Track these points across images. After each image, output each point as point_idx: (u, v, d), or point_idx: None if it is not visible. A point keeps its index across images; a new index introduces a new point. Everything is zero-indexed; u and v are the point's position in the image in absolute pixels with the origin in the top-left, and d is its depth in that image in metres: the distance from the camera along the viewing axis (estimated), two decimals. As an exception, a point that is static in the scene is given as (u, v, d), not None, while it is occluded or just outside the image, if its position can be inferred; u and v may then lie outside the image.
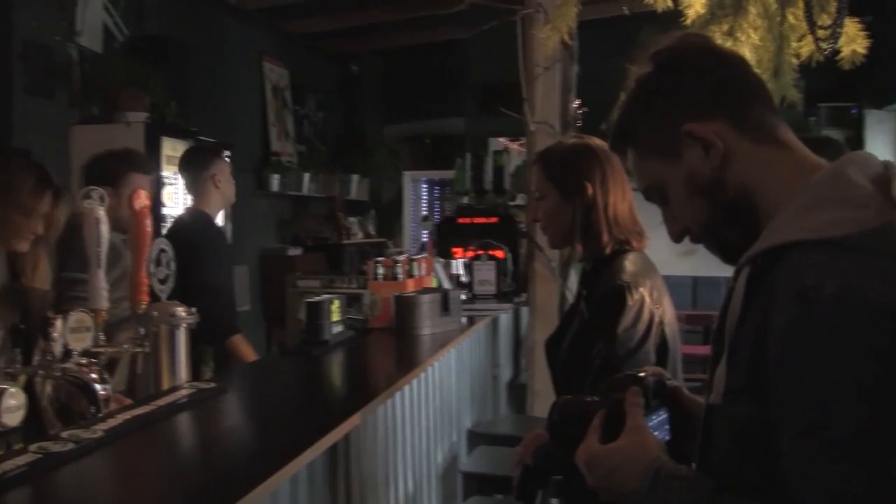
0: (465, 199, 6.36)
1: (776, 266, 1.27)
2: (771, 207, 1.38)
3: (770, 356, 1.24)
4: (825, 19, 3.12)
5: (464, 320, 4.48)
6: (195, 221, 4.46)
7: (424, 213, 10.88)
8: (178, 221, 4.63)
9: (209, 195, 4.48)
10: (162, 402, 2.47)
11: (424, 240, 9.24)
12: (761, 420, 1.27)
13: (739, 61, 1.56)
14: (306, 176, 9.78)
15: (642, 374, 1.64)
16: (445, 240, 5.97)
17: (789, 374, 1.22)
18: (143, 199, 2.94)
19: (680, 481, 1.38)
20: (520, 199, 6.67)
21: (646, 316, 2.40)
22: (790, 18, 3.35)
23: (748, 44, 3.32)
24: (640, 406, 1.54)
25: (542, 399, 5.52)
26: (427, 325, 3.97)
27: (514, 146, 8.53)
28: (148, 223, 2.95)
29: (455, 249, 5.67)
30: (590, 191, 2.56)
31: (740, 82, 1.49)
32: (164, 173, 6.09)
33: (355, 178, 10.93)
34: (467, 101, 9.96)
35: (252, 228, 8.64)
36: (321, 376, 3.34)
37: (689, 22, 3.65)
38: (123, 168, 3.75)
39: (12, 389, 2.09)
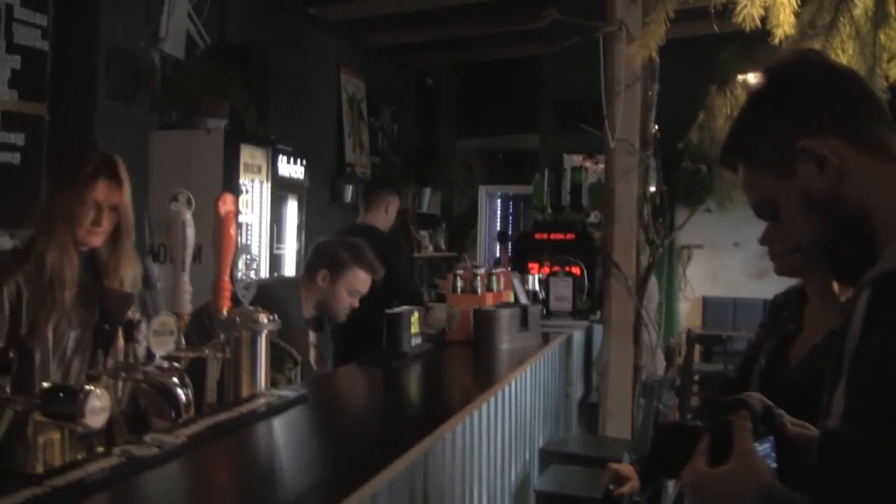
0: (541, 215, 6.30)
1: None
2: (889, 226, 1.34)
3: (894, 379, 1.20)
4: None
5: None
6: (376, 234, 5.47)
7: (501, 228, 10.83)
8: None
9: (378, 215, 5.72)
10: (244, 409, 2.45)
11: (497, 255, 9.20)
12: (884, 445, 1.22)
13: (854, 76, 1.53)
14: (379, 188, 9.80)
15: (753, 400, 1.60)
16: (521, 255, 5.91)
17: None
18: (228, 205, 2.94)
19: None
20: (593, 217, 6.60)
21: None
22: (882, 39, 3.26)
23: (839, 64, 3.25)
24: (748, 430, 1.50)
25: (615, 419, 5.44)
26: (506, 339, 3.93)
27: (589, 164, 8.48)
28: (232, 229, 2.94)
29: (531, 265, 5.62)
30: None
31: (855, 98, 1.46)
32: (242, 181, 6.12)
33: (427, 191, 10.93)
34: (543, 117, 9.91)
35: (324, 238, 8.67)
36: (401, 389, 3.31)
37: (776, 41, 3.58)
38: (351, 260, 3.94)
39: (97, 391, 2.07)
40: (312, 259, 4.02)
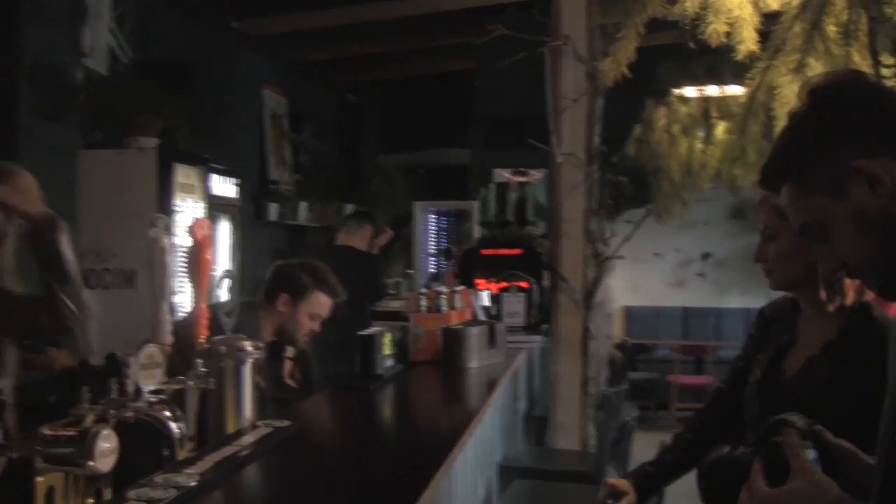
0: (480, 231, 6.28)
1: None
2: None
3: None
4: (888, 58, 3.10)
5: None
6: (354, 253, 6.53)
7: (444, 244, 10.74)
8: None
9: (357, 239, 6.80)
10: (244, 442, 2.36)
11: (432, 270, 9.13)
12: None
13: None
14: (303, 205, 9.67)
15: (794, 418, 1.63)
16: (468, 271, 5.86)
17: None
18: (204, 229, 2.84)
19: None
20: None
21: None
22: (855, 56, 3.31)
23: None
24: (801, 447, 1.53)
25: (565, 431, 5.45)
26: (475, 357, 3.88)
27: (518, 178, 8.48)
28: (209, 254, 2.84)
29: (478, 281, 5.57)
30: None
31: None
32: (176, 201, 5.94)
33: (350, 207, 10.83)
34: (474, 132, 9.91)
35: (250, 257, 8.48)
36: (384, 415, 3.24)
37: (740, 57, 3.62)
38: (312, 284, 3.79)
39: (105, 431, 1.96)
40: (272, 283, 3.91)
